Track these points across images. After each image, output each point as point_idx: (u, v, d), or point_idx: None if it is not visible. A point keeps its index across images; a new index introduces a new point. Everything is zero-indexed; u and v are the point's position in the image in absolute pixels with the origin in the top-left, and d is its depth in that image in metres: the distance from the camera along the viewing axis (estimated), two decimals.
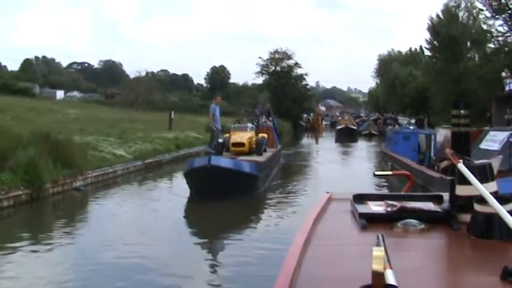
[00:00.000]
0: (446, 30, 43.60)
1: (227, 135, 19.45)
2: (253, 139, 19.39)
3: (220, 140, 18.72)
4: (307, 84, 71.86)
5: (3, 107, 31.96)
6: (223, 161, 15.46)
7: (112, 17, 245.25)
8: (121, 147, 22.89)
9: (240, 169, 15.41)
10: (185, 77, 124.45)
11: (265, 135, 20.52)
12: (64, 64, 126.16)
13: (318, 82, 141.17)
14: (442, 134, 17.90)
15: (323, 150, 39.87)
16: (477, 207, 2.73)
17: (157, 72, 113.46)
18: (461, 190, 2.99)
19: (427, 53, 52.29)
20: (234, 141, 18.86)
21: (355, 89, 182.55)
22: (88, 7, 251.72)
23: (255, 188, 16.25)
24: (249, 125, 21.02)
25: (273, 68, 68.44)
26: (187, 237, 11.95)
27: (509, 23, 38.50)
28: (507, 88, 25.43)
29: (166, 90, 79.34)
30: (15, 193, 13.69)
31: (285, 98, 64.58)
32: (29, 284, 8.28)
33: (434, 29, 45.98)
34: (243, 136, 19.29)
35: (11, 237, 11.27)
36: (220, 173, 14.41)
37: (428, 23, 47.25)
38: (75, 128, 24.21)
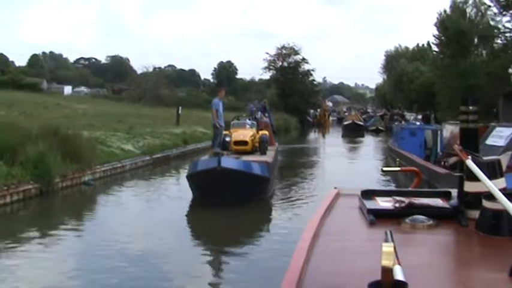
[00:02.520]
0: (455, 25, 43.36)
1: (226, 132, 17.75)
2: (256, 137, 17.99)
3: (227, 139, 17.17)
4: (314, 80, 71.82)
5: (12, 102, 32.09)
6: (234, 163, 13.98)
7: (119, 13, 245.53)
8: (129, 142, 22.97)
9: (251, 171, 13.96)
10: (192, 73, 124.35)
11: (267, 133, 18.94)
12: (71, 59, 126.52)
13: (325, 78, 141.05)
14: (449, 129, 17.86)
15: (330, 146, 39.90)
16: (486, 203, 2.74)
17: (165, 67, 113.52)
18: (469, 186, 3.01)
19: (434, 48, 52.05)
20: (237, 139, 17.42)
21: (362, 84, 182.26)
22: (95, 2, 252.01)
23: (265, 191, 14.96)
24: (248, 121, 19.69)
25: (280, 63, 68.33)
26: (195, 236, 11.87)
27: None
28: None
29: (174, 86, 79.36)
30: (25, 187, 13.79)
31: (292, 94, 64.51)
32: (38, 276, 8.34)
33: (443, 24, 45.75)
34: (246, 134, 17.87)
35: (21, 230, 11.40)
36: (231, 176, 13.01)
37: (437, 18, 47.05)
38: (83, 123, 24.25)
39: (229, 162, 13.73)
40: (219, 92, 18.35)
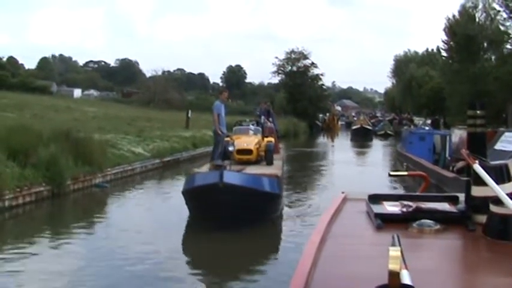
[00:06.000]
0: (464, 30, 43.30)
1: (228, 139, 15.51)
2: (261, 144, 16.08)
3: (230, 148, 14.68)
4: (323, 84, 71.83)
5: (22, 104, 32.28)
6: (239, 178, 11.69)
7: (128, 16, 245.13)
8: (139, 145, 23.06)
9: (259, 188, 11.74)
10: (201, 76, 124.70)
11: (273, 140, 17.02)
12: (81, 62, 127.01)
13: (334, 82, 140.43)
14: (457, 134, 17.82)
15: (338, 150, 40.00)
16: (493, 208, 2.74)
17: (174, 71, 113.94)
18: (477, 191, 3.01)
19: (443, 53, 51.99)
20: (240, 148, 15.38)
21: (371, 89, 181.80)
22: (104, 5, 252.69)
23: (275, 210, 12.77)
24: (251, 127, 17.57)
25: (289, 67, 68.43)
26: (203, 242, 11.01)
27: None
28: None
29: (183, 89, 79.67)
30: (37, 189, 13.89)
31: (301, 98, 64.65)
32: (48, 277, 8.39)
33: (451, 29, 45.70)
34: (250, 141, 15.90)
35: (33, 231, 11.50)
36: (235, 194, 10.85)
37: (445, 23, 47.02)
38: (93, 126, 24.33)
39: (233, 176, 11.38)
40: (221, 94, 16.29)
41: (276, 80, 70.83)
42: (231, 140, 15.46)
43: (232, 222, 10.59)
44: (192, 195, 11.83)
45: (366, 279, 2.09)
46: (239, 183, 11.23)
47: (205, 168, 14.36)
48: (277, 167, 15.01)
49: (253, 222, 11.08)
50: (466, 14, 45.16)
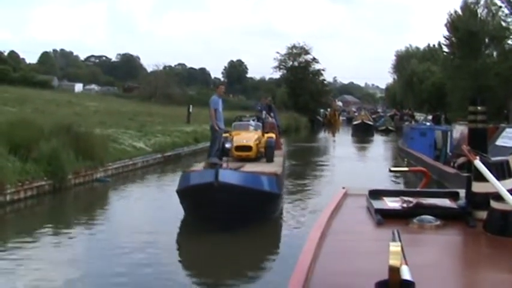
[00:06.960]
0: (465, 26, 43.28)
1: (227, 134, 15.17)
2: (261, 141, 15.43)
3: (227, 145, 14.20)
4: (324, 80, 71.78)
5: (23, 99, 32.31)
6: (235, 176, 11.09)
7: (129, 11, 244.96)
8: (140, 140, 23.06)
9: (257, 187, 11.17)
10: (202, 71, 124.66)
11: (273, 136, 16.31)
12: (82, 57, 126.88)
13: (335, 77, 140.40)
14: (459, 130, 17.82)
15: (339, 145, 40.05)
16: (494, 204, 2.74)
17: (175, 66, 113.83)
18: (477, 187, 3.01)
19: (445, 49, 51.96)
20: (239, 144, 14.79)
21: (373, 84, 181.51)
22: (105, 0, 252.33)
23: (274, 210, 12.24)
24: (252, 122, 17.04)
25: (291, 63, 68.34)
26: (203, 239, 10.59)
27: None
28: None
29: (184, 84, 79.70)
30: (39, 183, 13.89)
31: (302, 93, 64.64)
32: (48, 270, 8.42)
33: (453, 24, 45.70)
34: (250, 137, 15.24)
35: (34, 225, 11.50)
36: (231, 193, 10.31)
37: (447, 19, 47.00)
38: (95, 121, 24.34)
39: (229, 175, 10.85)
40: (218, 88, 15.97)
41: (277, 75, 70.84)
42: (230, 136, 15.09)
43: (230, 221, 10.16)
44: (186, 194, 11.34)
45: (366, 274, 2.09)
46: (235, 182, 10.72)
47: (201, 166, 13.72)
48: (277, 164, 14.41)
49: (251, 221, 10.63)
50: (468, 9, 45.16)
